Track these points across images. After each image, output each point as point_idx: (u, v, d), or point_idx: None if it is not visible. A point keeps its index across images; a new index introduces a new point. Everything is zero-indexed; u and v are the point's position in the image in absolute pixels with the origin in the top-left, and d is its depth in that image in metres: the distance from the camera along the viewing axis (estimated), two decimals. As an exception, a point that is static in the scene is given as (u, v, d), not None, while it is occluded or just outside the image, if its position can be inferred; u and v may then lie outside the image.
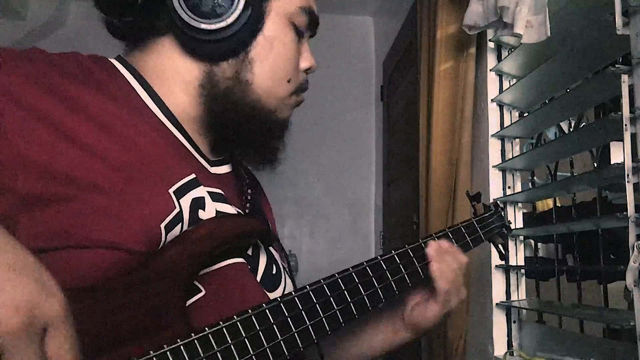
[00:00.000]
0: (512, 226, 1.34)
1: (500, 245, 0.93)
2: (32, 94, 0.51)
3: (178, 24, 0.60)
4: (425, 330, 0.75)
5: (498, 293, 1.32)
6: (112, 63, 0.64)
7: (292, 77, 0.67)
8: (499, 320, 1.31)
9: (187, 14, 0.59)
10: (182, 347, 0.46)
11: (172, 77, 0.64)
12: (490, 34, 1.38)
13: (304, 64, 0.70)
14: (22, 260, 0.37)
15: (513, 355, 1.26)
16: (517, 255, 1.35)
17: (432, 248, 0.73)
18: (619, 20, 0.91)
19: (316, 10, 0.70)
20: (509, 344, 1.30)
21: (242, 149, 0.69)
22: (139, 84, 0.63)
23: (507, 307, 1.31)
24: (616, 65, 0.93)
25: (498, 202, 0.95)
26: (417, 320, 0.74)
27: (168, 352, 0.45)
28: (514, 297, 1.33)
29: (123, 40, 0.67)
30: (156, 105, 0.62)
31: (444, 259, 0.73)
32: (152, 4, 0.61)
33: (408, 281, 0.70)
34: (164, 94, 0.64)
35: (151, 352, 0.44)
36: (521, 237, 1.36)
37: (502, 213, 0.94)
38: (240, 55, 0.63)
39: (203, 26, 0.59)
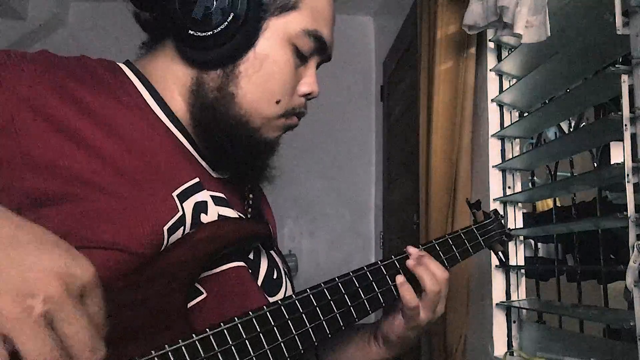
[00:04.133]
0: (512, 226, 1.34)
1: (500, 252, 0.93)
2: (41, 96, 0.52)
3: (174, 27, 0.61)
4: (396, 345, 0.71)
5: (498, 293, 1.32)
6: (120, 67, 0.65)
7: (282, 98, 0.65)
8: (499, 320, 1.31)
9: (180, 18, 0.59)
10: (183, 347, 0.46)
11: (172, 81, 0.64)
12: (490, 34, 1.38)
13: (304, 88, 0.67)
14: (48, 235, 0.38)
15: (513, 355, 1.26)
16: (517, 255, 1.35)
17: (412, 259, 0.70)
18: (619, 20, 0.91)
19: (327, 35, 0.67)
20: (509, 344, 1.30)
21: (228, 162, 0.67)
22: (145, 88, 0.63)
23: (507, 307, 1.31)
24: (616, 65, 0.93)
25: (497, 209, 0.96)
26: (385, 332, 0.71)
27: (169, 352, 0.45)
28: (514, 297, 1.33)
29: (151, 35, 0.67)
30: (161, 109, 0.63)
31: (416, 272, 0.69)
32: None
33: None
34: (168, 97, 0.64)
35: (152, 352, 0.44)
36: (521, 237, 1.36)
37: (503, 221, 0.94)
38: (228, 67, 0.62)
39: (191, 32, 0.59)
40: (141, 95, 0.63)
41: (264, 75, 0.63)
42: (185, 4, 0.59)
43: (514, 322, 1.31)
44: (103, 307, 0.38)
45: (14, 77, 0.52)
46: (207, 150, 0.66)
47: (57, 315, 0.34)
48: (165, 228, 0.54)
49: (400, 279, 0.68)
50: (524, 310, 1.31)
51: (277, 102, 0.65)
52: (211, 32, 0.59)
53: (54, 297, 0.34)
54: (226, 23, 0.59)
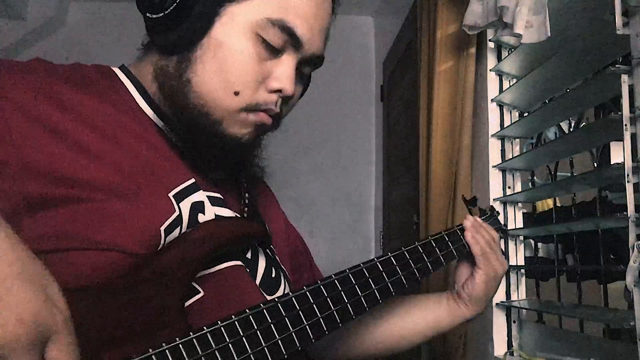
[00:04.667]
0: (512, 226, 1.34)
1: None
2: (37, 103, 0.53)
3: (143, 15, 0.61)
4: (479, 298, 0.81)
5: (498, 293, 1.32)
6: (113, 72, 0.65)
7: (241, 90, 0.60)
8: (499, 320, 1.31)
9: (141, 2, 0.60)
10: (180, 345, 0.46)
11: (150, 74, 0.64)
12: (490, 34, 1.38)
13: (273, 83, 0.62)
14: (30, 268, 0.38)
15: (513, 355, 1.26)
16: (517, 255, 1.35)
17: (469, 221, 0.83)
18: (619, 20, 0.91)
19: (300, 29, 0.61)
20: (509, 344, 1.30)
21: (200, 158, 0.64)
22: (137, 90, 0.64)
23: (507, 307, 1.31)
24: (616, 65, 0.93)
25: (493, 206, 0.97)
26: (469, 290, 0.81)
27: (167, 351, 0.45)
28: (514, 297, 1.33)
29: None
30: (152, 110, 0.63)
31: (478, 231, 0.82)
32: None
33: (417, 275, 0.74)
34: (156, 96, 0.64)
35: (150, 350, 0.44)
36: (521, 237, 1.36)
37: (498, 217, 0.95)
38: (184, 53, 0.60)
39: (148, 15, 0.59)
40: (133, 98, 0.63)
41: (218, 63, 0.60)
42: None
43: (514, 322, 1.31)
44: (70, 351, 0.38)
45: (9, 86, 0.52)
46: (184, 146, 0.64)
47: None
48: (162, 228, 0.54)
49: (469, 234, 0.81)
50: (524, 310, 1.31)
51: (236, 94, 0.60)
52: (162, 14, 0.58)
53: (10, 344, 0.34)
54: (175, 4, 0.58)
